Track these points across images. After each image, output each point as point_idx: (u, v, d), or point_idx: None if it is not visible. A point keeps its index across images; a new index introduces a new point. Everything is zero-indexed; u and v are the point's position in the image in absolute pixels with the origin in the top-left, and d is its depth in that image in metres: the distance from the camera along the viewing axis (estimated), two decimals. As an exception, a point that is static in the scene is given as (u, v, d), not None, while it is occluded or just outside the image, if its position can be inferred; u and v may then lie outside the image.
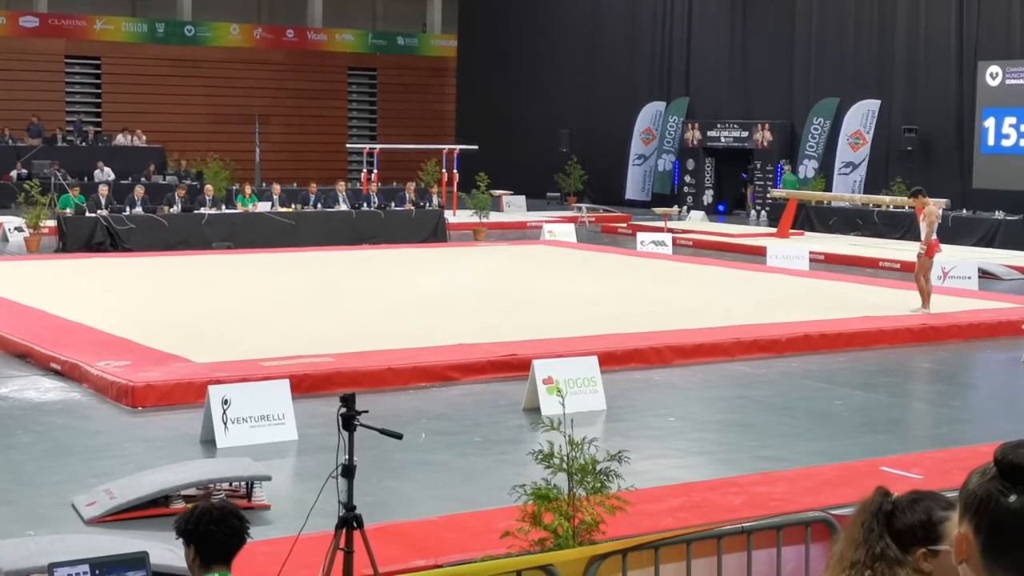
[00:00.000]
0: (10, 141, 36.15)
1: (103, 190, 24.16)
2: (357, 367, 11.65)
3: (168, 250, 22.38)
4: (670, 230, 27.31)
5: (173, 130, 40.40)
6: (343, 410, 5.64)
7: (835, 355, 13.77)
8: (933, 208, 16.17)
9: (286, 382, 10.00)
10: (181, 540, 4.49)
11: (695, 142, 35.92)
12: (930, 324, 15.06)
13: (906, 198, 26.29)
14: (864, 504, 2.49)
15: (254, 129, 39.62)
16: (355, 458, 5.68)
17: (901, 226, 27.00)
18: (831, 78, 32.65)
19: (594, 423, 10.27)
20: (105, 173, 34.06)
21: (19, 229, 24.18)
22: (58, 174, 30.89)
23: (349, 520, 5.66)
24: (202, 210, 24.16)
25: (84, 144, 36.61)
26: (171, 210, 23.87)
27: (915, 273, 16.18)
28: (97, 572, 5.29)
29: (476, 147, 35.30)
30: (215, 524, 4.34)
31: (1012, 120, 28.46)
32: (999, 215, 26.68)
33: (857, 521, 2.47)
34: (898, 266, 21.93)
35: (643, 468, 8.33)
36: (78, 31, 40.84)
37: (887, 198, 27.94)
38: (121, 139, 37.38)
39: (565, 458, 6.20)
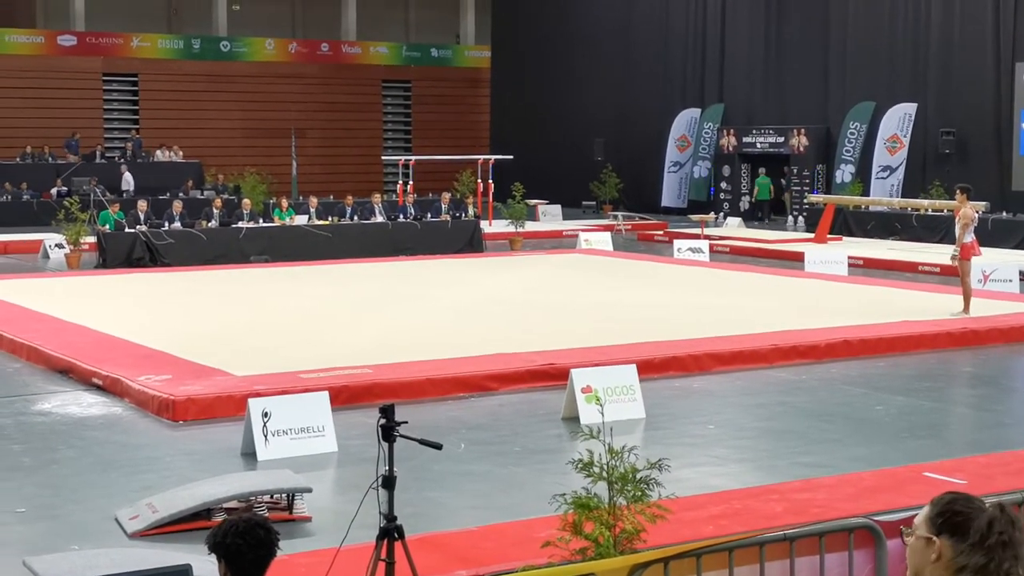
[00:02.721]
0: (50, 159, 36.49)
1: (142, 205, 24.33)
2: (396, 378, 11.68)
3: (206, 264, 22.51)
4: (707, 237, 27.23)
5: (210, 145, 40.67)
6: (382, 421, 5.66)
7: (875, 360, 13.69)
8: (968, 211, 16.06)
9: (325, 394, 10.03)
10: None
11: (731, 148, 35.83)
12: (971, 328, 14.94)
13: (944, 201, 26.23)
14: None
15: (290, 143, 39.81)
16: (395, 469, 5.69)
17: (940, 230, 26.80)
18: (867, 82, 32.49)
19: (633, 431, 10.25)
20: (127, 180, 34.36)
21: (59, 246, 24.38)
22: (97, 191, 31.16)
23: (390, 531, 5.67)
24: (239, 224, 24.29)
25: (123, 160, 36.90)
26: (209, 224, 24.02)
27: (960, 276, 16.13)
28: (141, 585, 5.32)
29: (511, 157, 35.32)
30: (241, 536, 4.32)
31: (1051, 121, 28.24)
32: (1040, 217, 26.48)
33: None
34: (937, 270, 21.79)
35: (683, 476, 8.31)
36: (115, 48, 41.18)
37: (925, 202, 27.77)
38: (159, 155, 37.66)
39: (605, 467, 6.18)
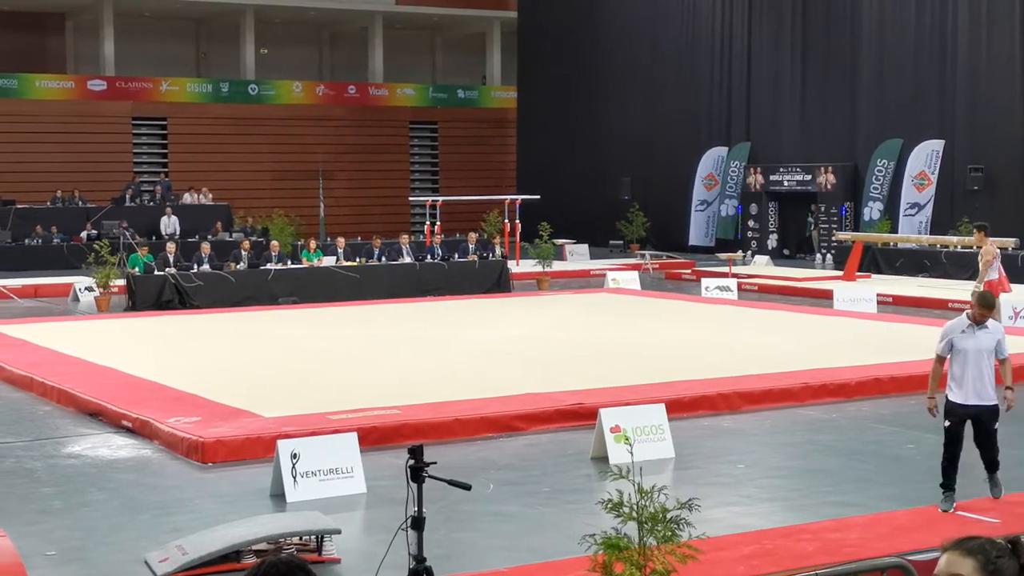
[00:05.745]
0: (80, 202, 36.76)
1: (170, 248, 24.49)
2: (424, 419, 11.67)
3: (235, 306, 22.59)
4: (735, 275, 27.17)
5: (239, 187, 40.92)
6: (411, 462, 5.66)
7: (906, 398, 13.59)
8: (990, 247, 16.04)
9: (354, 435, 10.03)
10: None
11: (758, 186, 35.80)
12: (1002, 365, 14.81)
13: (973, 238, 26.11)
14: None
15: (318, 184, 40.02)
16: (424, 510, 5.68)
17: (969, 266, 26.64)
18: (893, 119, 32.45)
19: (663, 471, 10.20)
20: (172, 222, 34.49)
21: (89, 289, 24.53)
22: (127, 234, 31.36)
23: (419, 572, 5.66)
24: (268, 266, 24.40)
25: (152, 204, 37.16)
26: (238, 266, 24.14)
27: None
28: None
29: (538, 196, 35.41)
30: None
31: (1080, 156, 28.09)
32: (1070, 253, 26.30)
33: None
34: (967, 307, 21.65)
35: (714, 516, 8.26)
36: (145, 93, 41.57)
37: (954, 239, 27.65)
38: (188, 197, 37.91)
39: (635, 507, 6.16)
